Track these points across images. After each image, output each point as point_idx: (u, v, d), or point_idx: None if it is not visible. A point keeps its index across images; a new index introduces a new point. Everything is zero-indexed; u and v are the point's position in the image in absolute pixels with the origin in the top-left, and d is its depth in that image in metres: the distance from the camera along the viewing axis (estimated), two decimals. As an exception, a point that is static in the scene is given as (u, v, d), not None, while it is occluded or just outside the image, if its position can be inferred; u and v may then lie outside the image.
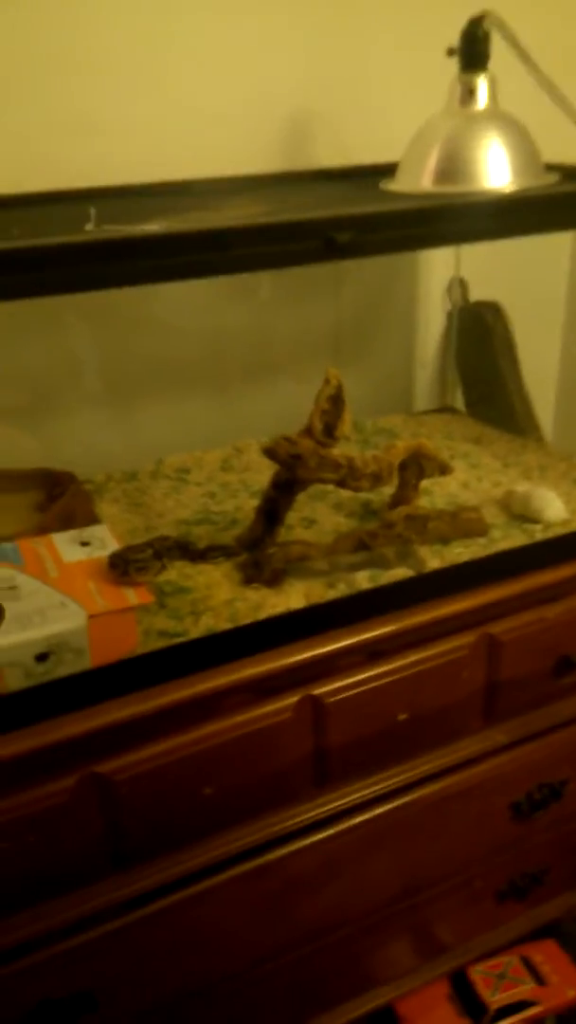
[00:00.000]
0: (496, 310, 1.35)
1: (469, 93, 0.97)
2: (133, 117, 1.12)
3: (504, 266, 1.42)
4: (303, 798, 0.97)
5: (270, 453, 0.89)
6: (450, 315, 1.43)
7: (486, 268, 1.41)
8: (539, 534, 1.02)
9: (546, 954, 1.28)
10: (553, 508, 1.04)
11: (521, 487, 1.09)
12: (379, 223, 0.75)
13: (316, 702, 0.92)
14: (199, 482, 1.22)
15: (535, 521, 1.04)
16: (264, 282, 1.30)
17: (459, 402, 1.45)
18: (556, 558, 1.00)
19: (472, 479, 1.17)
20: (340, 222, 0.72)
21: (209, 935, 0.99)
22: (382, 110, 1.24)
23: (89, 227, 0.80)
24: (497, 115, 0.97)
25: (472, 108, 0.97)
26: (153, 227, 0.73)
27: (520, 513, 1.06)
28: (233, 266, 0.70)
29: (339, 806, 0.99)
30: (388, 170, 1.04)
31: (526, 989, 1.23)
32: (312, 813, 0.98)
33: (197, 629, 0.88)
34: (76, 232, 0.75)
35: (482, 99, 0.97)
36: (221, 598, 0.92)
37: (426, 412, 1.45)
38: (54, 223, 0.90)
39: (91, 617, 0.79)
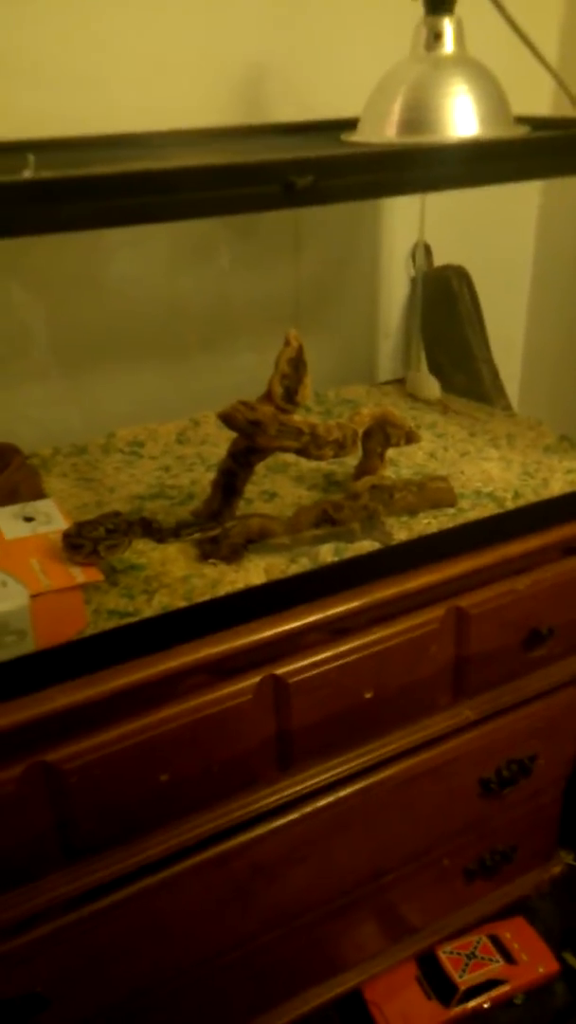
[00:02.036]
0: (462, 275, 1.31)
1: (435, 37, 0.91)
2: (74, 66, 1.04)
3: (469, 230, 1.37)
4: (265, 782, 0.93)
5: (227, 419, 0.84)
6: (414, 281, 1.38)
7: (450, 233, 1.36)
8: (509, 503, 0.98)
9: (515, 932, 1.26)
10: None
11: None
12: (341, 167, 0.70)
13: (278, 682, 0.88)
14: (153, 455, 1.16)
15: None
16: (221, 247, 1.24)
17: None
18: (527, 528, 0.96)
19: (438, 448, 1.13)
20: (300, 165, 0.67)
21: (168, 927, 0.94)
22: (342, 62, 1.18)
23: (27, 174, 0.74)
24: (465, 61, 0.92)
25: (438, 53, 0.92)
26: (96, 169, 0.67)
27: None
28: (184, 211, 0.65)
29: (303, 789, 0.96)
30: (349, 125, 0.99)
31: (496, 968, 1.21)
32: (275, 797, 0.94)
33: (151, 608, 0.83)
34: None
35: (448, 44, 0.92)
36: (176, 575, 0.87)
37: (390, 382, 1.40)
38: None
39: (34, 596, 0.74)
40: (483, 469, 1.05)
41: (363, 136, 0.95)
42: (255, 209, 0.67)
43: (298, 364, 0.86)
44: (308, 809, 0.97)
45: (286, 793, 0.95)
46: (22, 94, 1.02)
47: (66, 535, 0.80)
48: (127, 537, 0.82)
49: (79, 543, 0.79)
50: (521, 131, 0.93)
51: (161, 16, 1.07)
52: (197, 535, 0.89)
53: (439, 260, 1.36)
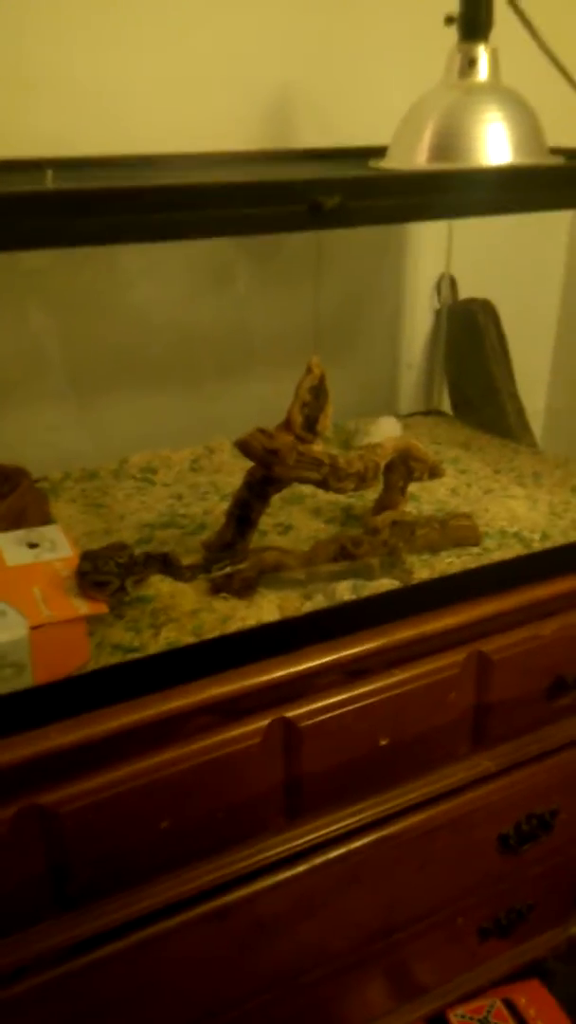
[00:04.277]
0: (488, 308, 1.28)
1: (469, 64, 0.89)
2: (98, 87, 1.03)
3: (496, 264, 1.35)
4: (273, 831, 0.88)
5: (244, 447, 0.81)
6: (438, 313, 1.36)
7: (477, 266, 1.34)
8: (536, 544, 0.94)
9: (530, 996, 1.19)
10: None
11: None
12: (369, 189, 0.67)
13: (289, 726, 0.83)
14: (166, 483, 1.13)
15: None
16: (240, 273, 1.22)
17: (446, 405, 1.37)
18: (554, 571, 0.92)
19: (461, 485, 1.09)
20: (328, 185, 0.64)
21: (165, 982, 0.89)
22: (372, 89, 1.17)
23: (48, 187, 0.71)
24: (499, 89, 0.90)
25: (472, 80, 0.90)
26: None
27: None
28: (207, 228, 0.62)
29: (312, 840, 0.91)
30: (378, 153, 0.96)
31: (509, 1036, 1.14)
32: (282, 848, 0.89)
33: (157, 643, 0.79)
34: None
35: (483, 71, 0.89)
36: (185, 608, 0.83)
37: (412, 415, 1.37)
38: (7, 186, 0.81)
39: (34, 628, 0.70)
40: (508, 507, 1.01)
41: (392, 163, 0.93)
42: (280, 230, 0.65)
43: (319, 392, 0.83)
44: (317, 861, 0.91)
45: (294, 844, 0.89)
46: (45, 113, 1.01)
47: (83, 572, 0.75)
48: (146, 570, 0.79)
49: (104, 580, 0.75)
50: (555, 161, 0.90)
51: (189, 39, 1.06)
52: (228, 568, 0.84)
53: (464, 293, 1.33)
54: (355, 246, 1.29)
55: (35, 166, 0.85)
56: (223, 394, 1.26)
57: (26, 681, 0.71)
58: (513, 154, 0.88)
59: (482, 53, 0.89)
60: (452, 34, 0.91)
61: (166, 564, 0.80)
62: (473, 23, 0.88)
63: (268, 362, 1.26)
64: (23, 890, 0.77)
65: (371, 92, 1.17)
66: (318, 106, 1.16)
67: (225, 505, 0.93)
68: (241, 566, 0.83)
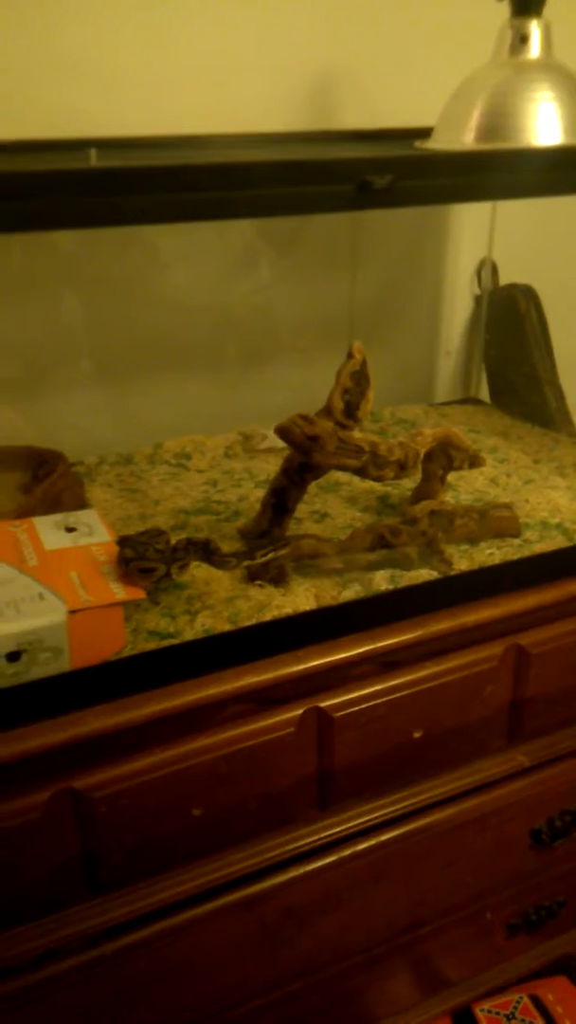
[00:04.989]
0: (530, 294, 1.25)
1: (521, 40, 0.87)
2: (143, 66, 1.02)
3: (538, 249, 1.31)
4: (304, 821, 0.88)
5: (283, 433, 0.79)
6: (479, 299, 1.33)
7: (519, 251, 1.31)
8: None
9: (558, 992, 1.18)
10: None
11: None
12: (420, 168, 0.65)
13: (322, 715, 0.82)
14: (200, 469, 1.12)
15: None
16: (276, 257, 1.20)
17: (484, 392, 1.35)
18: (596, 564, 0.90)
19: (500, 475, 1.07)
20: (378, 164, 0.62)
21: (193, 969, 0.89)
22: (416, 69, 1.14)
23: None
24: (551, 67, 0.87)
25: (523, 57, 0.87)
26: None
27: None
28: (253, 208, 0.61)
29: (343, 831, 0.90)
30: (423, 134, 0.94)
31: (537, 1032, 1.13)
32: (313, 838, 0.88)
33: (193, 630, 0.78)
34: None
35: (535, 48, 0.87)
36: (220, 595, 0.82)
37: (449, 403, 1.35)
38: (52, 165, 0.80)
39: (72, 612, 0.69)
40: (549, 498, 0.99)
41: (438, 143, 0.91)
42: (328, 210, 0.64)
43: (360, 378, 0.82)
44: (346, 853, 0.91)
45: (324, 835, 0.89)
46: (88, 94, 1.00)
47: (127, 559, 0.75)
48: (189, 557, 0.78)
49: (150, 567, 0.74)
50: (609, 142, 0.87)
51: (230, 19, 1.04)
52: (271, 555, 0.82)
53: (506, 278, 1.30)
54: (394, 230, 1.26)
55: (78, 146, 0.84)
56: (257, 380, 1.25)
57: (63, 665, 0.70)
58: (564, 134, 0.85)
59: (535, 29, 0.87)
60: (497, 13, 0.88)
61: (207, 552, 0.79)
62: (526, -2, 0.85)
63: (304, 348, 1.24)
64: (56, 873, 0.77)
65: (415, 72, 1.14)
66: (361, 86, 1.13)
67: (260, 492, 0.92)
68: (282, 552, 0.81)
